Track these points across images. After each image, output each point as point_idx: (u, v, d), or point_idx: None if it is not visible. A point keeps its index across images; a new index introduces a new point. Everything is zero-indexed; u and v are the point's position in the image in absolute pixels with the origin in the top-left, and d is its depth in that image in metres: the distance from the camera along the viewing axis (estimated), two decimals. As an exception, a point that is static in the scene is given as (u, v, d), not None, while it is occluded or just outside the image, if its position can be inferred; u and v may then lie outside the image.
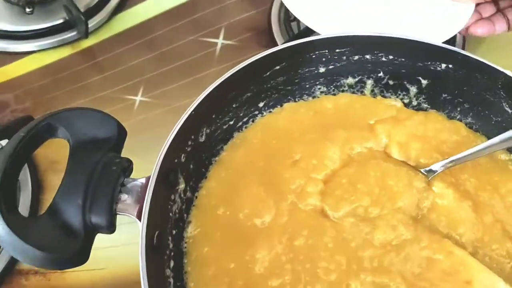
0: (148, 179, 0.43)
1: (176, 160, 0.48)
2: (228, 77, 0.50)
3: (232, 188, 0.52)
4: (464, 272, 0.45)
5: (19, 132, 0.40)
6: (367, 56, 0.58)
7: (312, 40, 0.55)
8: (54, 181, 0.66)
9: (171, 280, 0.46)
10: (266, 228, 0.49)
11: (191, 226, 0.50)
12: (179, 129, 0.46)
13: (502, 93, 0.54)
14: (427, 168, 0.52)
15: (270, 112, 0.60)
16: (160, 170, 0.43)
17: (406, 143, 0.55)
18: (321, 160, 0.53)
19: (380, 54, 0.58)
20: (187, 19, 0.84)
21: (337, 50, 0.57)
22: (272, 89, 0.58)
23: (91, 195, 0.40)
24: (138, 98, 0.76)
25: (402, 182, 0.51)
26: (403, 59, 0.57)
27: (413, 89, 0.60)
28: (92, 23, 0.82)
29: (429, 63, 0.57)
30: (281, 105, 0.60)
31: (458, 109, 0.60)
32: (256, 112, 0.59)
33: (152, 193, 0.42)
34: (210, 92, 0.49)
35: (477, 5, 0.62)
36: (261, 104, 0.59)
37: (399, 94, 0.61)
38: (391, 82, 0.61)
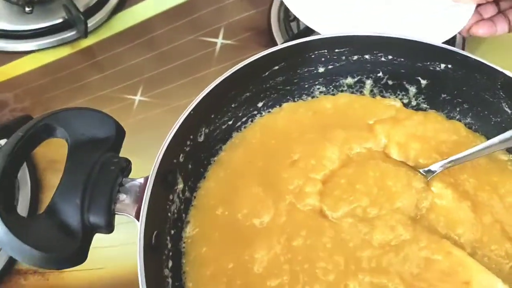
0: (146, 179, 0.43)
1: (174, 160, 0.48)
2: (227, 77, 0.50)
3: (231, 188, 0.52)
4: (462, 272, 0.45)
5: (17, 131, 0.41)
6: (366, 56, 0.58)
7: (311, 40, 0.55)
8: (53, 180, 0.66)
9: (170, 280, 0.46)
10: (265, 228, 0.49)
11: (189, 226, 0.50)
12: (177, 129, 0.46)
13: (501, 93, 0.54)
14: (426, 169, 0.52)
15: (269, 112, 0.60)
16: (158, 170, 0.43)
17: (405, 143, 0.55)
18: (319, 160, 0.53)
19: (379, 54, 0.58)
20: (186, 18, 0.84)
21: (336, 50, 0.57)
22: (271, 89, 0.58)
23: (89, 195, 0.40)
24: (138, 97, 0.76)
25: (401, 182, 0.51)
26: (402, 59, 0.57)
27: (412, 89, 0.60)
28: (91, 22, 0.82)
29: (428, 63, 0.57)
30: (280, 105, 0.60)
31: (458, 109, 0.60)
32: (255, 112, 0.59)
33: (151, 193, 0.42)
34: (209, 92, 0.49)
35: (478, 5, 0.62)
36: (260, 104, 0.59)
37: (398, 94, 0.61)
38: (390, 82, 0.61)
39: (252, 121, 0.59)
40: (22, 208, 0.63)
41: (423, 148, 0.55)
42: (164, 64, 0.79)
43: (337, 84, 0.61)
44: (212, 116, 0.53)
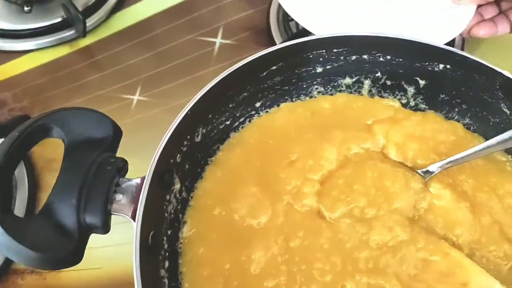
0: (143, 179, 0.43)
1: (171, 160, 0.48)
2: (225, 77, 0.50)
3: (228, 188, 0.52)
4: (460, 273, 0.45)
5: (13, 131, 0.40)
6: (365, 56, 0.58)
7: (309, 40, 0.55)
8: (50, 179, 0.66)
9: (166, 281, 0.45)
10: (262, 229, 0.49)
11: (186, 227, 0.50)
12: (174, 129, 0.46)
13: (500, 94, 0.54)
14: (424, 169, 0.52)
15: (267, 112, 0.59)
16: (155, 170, 0.43)
17: (403, 144, 0.55)
18: (317, 161, 0.53)
19: (377, 54, 0.57)
20: (185, 18, 0.84)
21: (334, 50, 0.57)
22: (269, 89, 0.58)
23: (86, 195, 0.40)
24: (136, 97, 0.75)
25: (399, 183, 0.51)
26: (400, 59, 0.57)
27: (410, 90, 0.60)
28: (90, 22, 0.82)
29: (427, 63, 0.57)
30: (278, 105, 0.60)
31: (456, 109, 0.59)
32: (253, 112, 0.59)
33: (147, 194, 0.42)
34: (206, 92, 0.49)
35: (479, 6, 0.61)
36: (258, 104, 0.58)
37: (397, 95, 0.61)
38: (388, 83, 0.60)
39: (249, 121, 0.59)
40: (20, 207, 0.63)
41: (421, 148, 0.55)
42: (162, 63, 0.79)
43: (335, 84, 0.61)
44: (210, 116, 0.53)
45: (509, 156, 0.56)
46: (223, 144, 0.56)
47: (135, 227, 0.40)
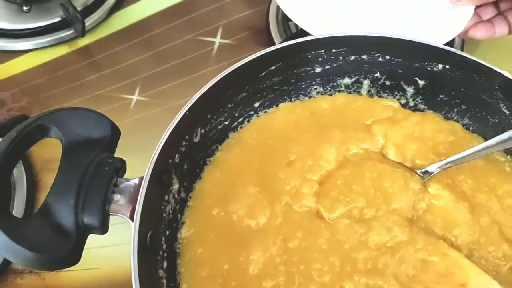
0: (141, 179, 0.42)
1: (170, 161, 0.48)
2: (223, 77, 0.50)
3: (227, 188, 0.51)
4: (459, 274, 0.44)
5: (11, 132, 0.40)
6: (364, 57, 0.58)
7: (308, 40, 0.54)
8: (49, 180, 0.66)
9: (164, 281, 0.45)
10: (261, 230, 0.48)
11: (185, 227, 0.50)
12: (172, 130, 0.46)
13: (499, 94, 0.54)
14: (423, 170, 0.52)
15: (266, 112, 0.59)
16: (153, 170, 0.43)
17: (402, 144, 0.55)
18: (316, 161, 0.53)
19: (376, 55, 0.57)
20: (184, 18, 0.84)
21: (333, 50, 0.57)
22: (268, 89, 0.58)
23: (84, 195, 0.40)
24: (135, 97, 0.75)
25: (397, 183, 0.51)
26: (399, 60, 0.57)
27: (410, 90, 0.60)
28: (89, 21, 0.82)
29: (426, 63, 0.56)
30: (277, 105, 0.60)
31: (455, 110, 0.59)
32: (252, 112, 0.59)
33: (145, 194, 0.41)
34: (204, 92, 0.49)
35: (477, 7, 0.61)
36: (256, 104, 0.58)
37: (396, 95, 0.61)
38: (387, 83, 0.60)
39: (248, 121, 0.59)
40: (18, 208, 0.63)
41: (420, 148, 0.54)
42: (161, 63, 0.79)
43: (335, 84, 0.61)
44: (208, 116, 0.53)
45: (508, 157, 0.56)
46: (222, 144, 0.56)
47: (133, 227, 0.40)
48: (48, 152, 0.66)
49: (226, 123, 0.56)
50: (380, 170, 0.52)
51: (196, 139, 0.52)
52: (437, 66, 0.56)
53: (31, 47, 0.81)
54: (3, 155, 0.38)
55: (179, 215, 0.50)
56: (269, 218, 0.49)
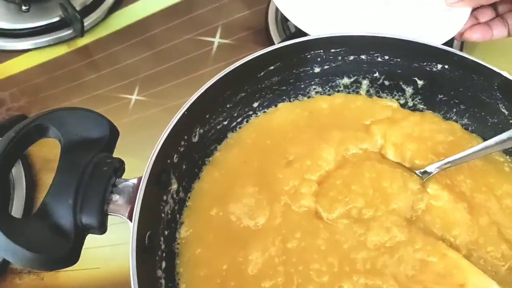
0: (140, 179, 0.42)
1: (168, 161, 0.48)
2: (222, 77, 0.50)
3: (226, 188, 0.51)
4: (458, 274, 0.44)
5: (9, 132, 0.40)
6: (363, 57, 0.58)
7: (307, 40, 0.54)
8: (48, 179, 0.65)
9: (163, 281, 0.45)
10: (260, 230, 0.48)
11: (183, 227, 0.50)
12: (171, 130, 0.46)
13: (498, 94, 0.54)
14: (422, 170, 0.52)
15: (265, 112, 0.59)
16: (152, 170, 0.43)
17: (401, 144, 0.55)
18: (315, 161, 0.53)
19: (375, 55, 0.57)
20: (183, 17, 0.84)
21: (332, 50, 0.57)
22: (267, 89, 0.58)
23: (82, 195, 0.40)
24: (134, 97, 0.75)
25: (396, 183, 0.51)
26: (398, 60, 0.57)
27: (409, 90, 0.60)
28: (88, 21, 0.82)
29: (425, 63, 0.56)
30: (276, 105, 0.60)
31: (454, 110, 0.59)
32: (251, 112, 0.59)
33: (144, 194, 0.41)
34: (203, 92, 0.49)
35: (474, 9, 0.61)
36: (255, 104, 0.58)
37: (395, 95, 0.61)
38: (386, 83, 0.60)
39: (247, 121, 0.59)
40: (17, 207, 0.63)
41: (419, 149, 0.54)
42: (161, 63, 0.79)
43: (333, 84, 0.61)
44: (207, 116, 0.53)
45: (507, 157, 0.56)
46: (221, 144, 0.56)
47: (132, 227, 0.40)
48: (47, 152, 0.66)
49: (225, 123, 0.56)
50: (379, 170, 0.52)
51: (195, 139, 0.52)
52: (436, 66, 0.56)
53: (30, 47, 0.81)
54: (1, 155, 0.38)
55: (177, 215, 0.50)
56: (268, 218, 0.49)
